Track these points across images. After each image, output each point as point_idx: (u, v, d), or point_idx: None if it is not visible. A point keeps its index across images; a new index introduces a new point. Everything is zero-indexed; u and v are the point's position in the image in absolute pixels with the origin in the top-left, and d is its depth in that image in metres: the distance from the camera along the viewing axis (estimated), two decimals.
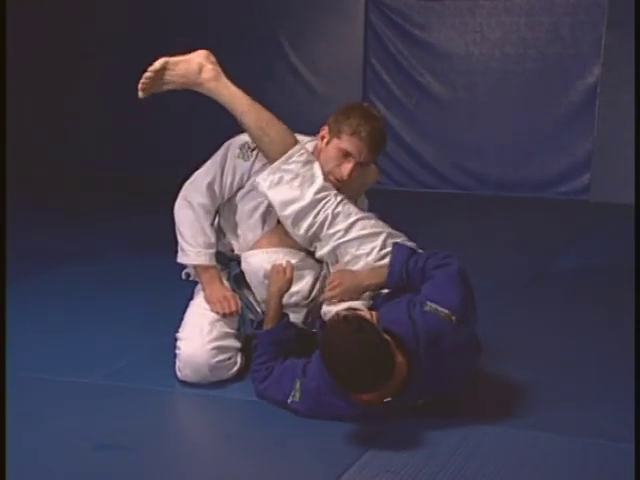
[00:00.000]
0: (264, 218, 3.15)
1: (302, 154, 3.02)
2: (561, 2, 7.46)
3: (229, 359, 3.02)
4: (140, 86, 3.10)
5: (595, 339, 3.60)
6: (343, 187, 3.05)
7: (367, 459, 2.44)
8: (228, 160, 3.13)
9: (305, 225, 2.99)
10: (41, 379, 3.08)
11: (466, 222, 6.47)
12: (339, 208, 3.01)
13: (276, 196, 3.00)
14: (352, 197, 3.10)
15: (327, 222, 2.99)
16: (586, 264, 5.07)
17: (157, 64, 3.07)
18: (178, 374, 3.03)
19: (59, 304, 4.08)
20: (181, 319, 3.13)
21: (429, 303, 2.64)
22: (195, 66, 3.10)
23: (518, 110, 7.73)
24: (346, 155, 3.01)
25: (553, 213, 7.05)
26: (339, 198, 3.02)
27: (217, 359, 2.97)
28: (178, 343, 3.05)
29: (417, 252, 2.90)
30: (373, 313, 2.85)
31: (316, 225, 2.99)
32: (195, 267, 3.18)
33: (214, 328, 3.03)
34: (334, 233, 2.99)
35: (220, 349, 3.00)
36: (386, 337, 2.51)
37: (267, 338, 2.90)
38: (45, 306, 4.04)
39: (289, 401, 2.73)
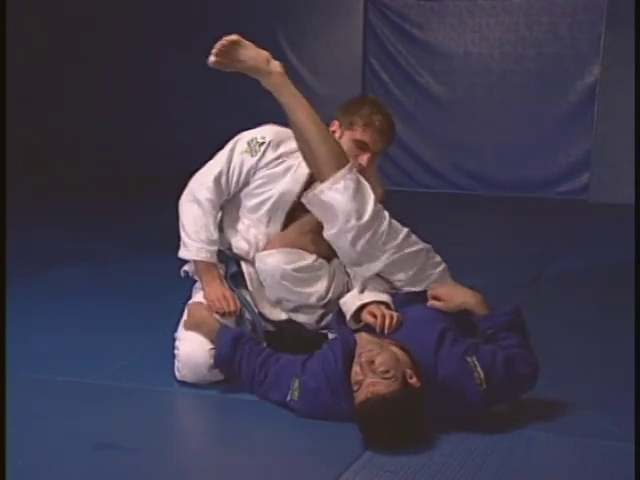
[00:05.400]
0: (270, 214, 3.15)
1: (354, 170, 2.94)
2: (560, 2, 7.47)
3: None
4: (214, 51, 2.88)
5: (594, 339, 3.60)
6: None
7: (367, 459, 2.44)
8: (235, 155, 3.13)
9: (364, 240, 2.89)
10: (41, 379, 3.08)
11: (465, 222, 6.47)
12: (389, 220, 2.95)
13: (339, 205, 2.87)
14: None
15: (384, 236, 2.91)
16: (585, 264, 5.07)
17: (232, 36, 2.91)
18: (177, 374, 3.02)
19: (59, 304, 4.08)
20: (180, 319, 3.13)
21: (474, 357, 2.60)
22: (264, 55, 2.95)
23: (517, 110, 7.74)
24: (361, 146, 3.03)
25: (552, 213, 7.06)
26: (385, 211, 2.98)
27: None
28: (177, 343, 3.05)
29: (517, 326, 2.80)
30: (394, 314, 2.85)
31: (375, 238, 2.90)
32: (195, 264, 3.17)
33: None
34: (390, 249, 2.94)
35: None
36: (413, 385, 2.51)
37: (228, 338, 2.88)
38: (45, 306, 4.04)
39: (287, 399, 2.72)
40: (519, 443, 2.56)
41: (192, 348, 2.97)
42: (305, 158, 3.03)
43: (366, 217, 2.87)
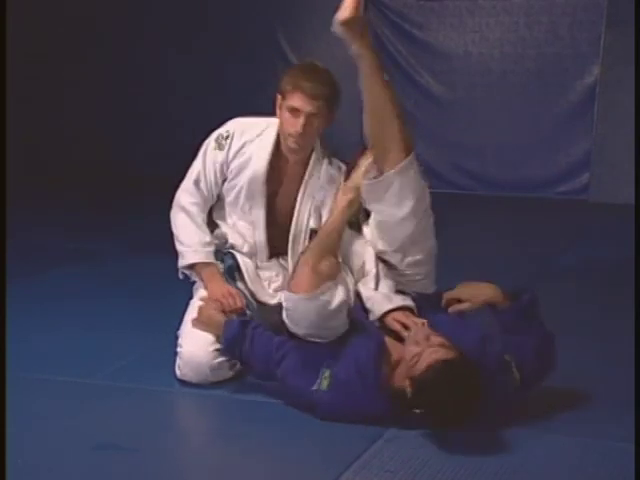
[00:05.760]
0: (249, 200, 3.19)
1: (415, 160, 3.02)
2: (560, 2, 7.46)
3: (230, 359, 3.01)
4: (350, 9, 2.80)
5: (594, 339, 3.60)
6: (304, 144, 3.08)
7: (367, 459, 2.44)
8: (208, 155, 3.21)
9: (425, 222, 3.11)
10: (41, 379, 3.09)
11: (465, 222, 6.46)
12: None
13: (410, 190, 3.01)
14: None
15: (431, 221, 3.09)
16: (585, 264, 5.07)
17: None
18: (177, 372, 3.03)
19: (59, 304, 4.08)
20: (181, 319, 3.13)
21: (510, 356, 2.65)
22: (361, 18, 2.90)
23: (517, 110, 7.73)
24: (295, 112, 3.02)
25: (552, 213, 7.05)
26: None
27: (219, 360, 2.96)
28: (179, 341, 3.06)
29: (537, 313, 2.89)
30: (424, 322, 2.86)
31: (429, 222, 3.11)
32: (194, 267, 3.19)
33: None
34: (429, 237, 3.13)
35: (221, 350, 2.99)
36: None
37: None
38: (45, 306, 4.04)
39: (313, 389, 2.68)
40: (519, 443, 2.56)
41: (195, 347, 2.97)
42: (371, 136, 3.04)
43: (427, 200, 3.08)
